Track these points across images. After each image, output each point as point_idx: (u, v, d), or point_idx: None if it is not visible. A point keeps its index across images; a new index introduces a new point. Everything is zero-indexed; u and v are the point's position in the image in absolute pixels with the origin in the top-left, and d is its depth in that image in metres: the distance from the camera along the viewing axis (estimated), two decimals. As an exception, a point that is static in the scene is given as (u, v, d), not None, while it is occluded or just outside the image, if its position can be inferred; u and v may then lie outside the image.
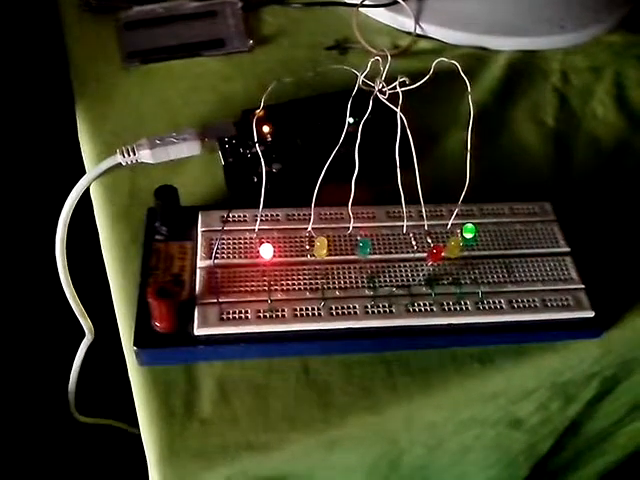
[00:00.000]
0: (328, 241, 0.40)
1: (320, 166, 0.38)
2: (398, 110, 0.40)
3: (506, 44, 0.59)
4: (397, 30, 0.60)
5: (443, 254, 0.40)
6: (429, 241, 0.42)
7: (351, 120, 0.43)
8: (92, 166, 0.50)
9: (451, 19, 0.59)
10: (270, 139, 0.48)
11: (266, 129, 0.48)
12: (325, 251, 0.39)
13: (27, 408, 0.90)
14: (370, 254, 0.41)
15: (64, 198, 0.42)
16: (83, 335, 0.52)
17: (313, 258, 0.40)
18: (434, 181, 0.41)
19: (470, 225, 0.41)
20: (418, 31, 0.59)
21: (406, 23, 0.59)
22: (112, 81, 0.54)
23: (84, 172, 0.52)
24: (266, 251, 0.38)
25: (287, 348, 0.39)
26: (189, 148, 0.45)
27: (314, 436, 0.37)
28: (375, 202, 0.44)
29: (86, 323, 0.50)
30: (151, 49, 0.56)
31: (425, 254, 0.41)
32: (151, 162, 0.44)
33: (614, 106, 0.55)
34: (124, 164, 0.44)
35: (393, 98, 0.40)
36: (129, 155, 0.44)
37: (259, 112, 0.40)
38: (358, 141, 0.39)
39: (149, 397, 0.37)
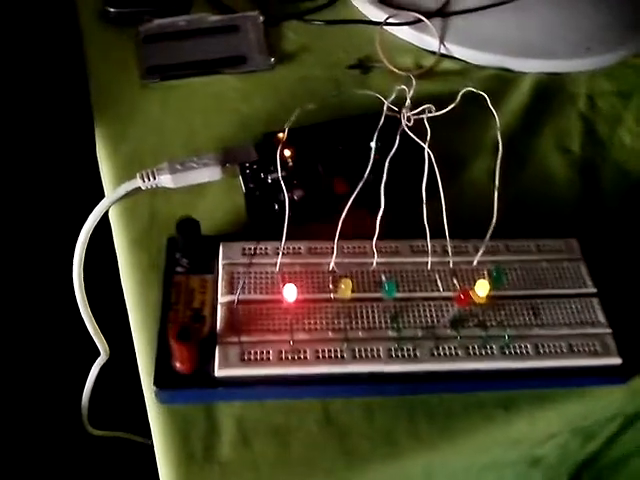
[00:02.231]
0: (351, 278, 0.40)
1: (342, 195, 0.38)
2: (426, 146, 0.39)
3: (531, 66, 0.58)
4: (420, 49, 0.59)
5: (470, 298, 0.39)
6: (454, 281, 0.41)
7: (373, 144, 0.42)
8: (111, 185, 0.49)
9: (476, 39, 0.58)
10: (291, 163, 0.47)
11: (287, 153, 0.47)
12: (349, 292, 0.39)
13: (41, 422, 0.90)
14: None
15: (83, 219, 0.41)
16: (98, 353, 0.52)
17: (336, 296, 0.40)
18: (458, 209, 0.40)
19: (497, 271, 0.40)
20: (442, 51, 0.58)
21: (430, 42, 0.58)
22: (131, 98, 0.53)
23: (102, 188, 0.52)
24: (289, 292, 0.37)
25: (309, 390, 0.38)
26: (210, 173, 0.44)
27: (334, 482, 0.37)
28: (397, 232, 0.43)
29: (101, 343, 0.50)
30: (171, 65, 0.55)
31: (450, 293, 0.40)
32: (171, 187, 0.44)
33: (643, 134, 0.54)
34: (144, 188, 0.43)
35: (418, 123, 0.40)
36: (149, 179, 0.43)
37: (282, 137, 0.39)
38: (384, 178, 0.39)
39: (168, 438, 0.37)
